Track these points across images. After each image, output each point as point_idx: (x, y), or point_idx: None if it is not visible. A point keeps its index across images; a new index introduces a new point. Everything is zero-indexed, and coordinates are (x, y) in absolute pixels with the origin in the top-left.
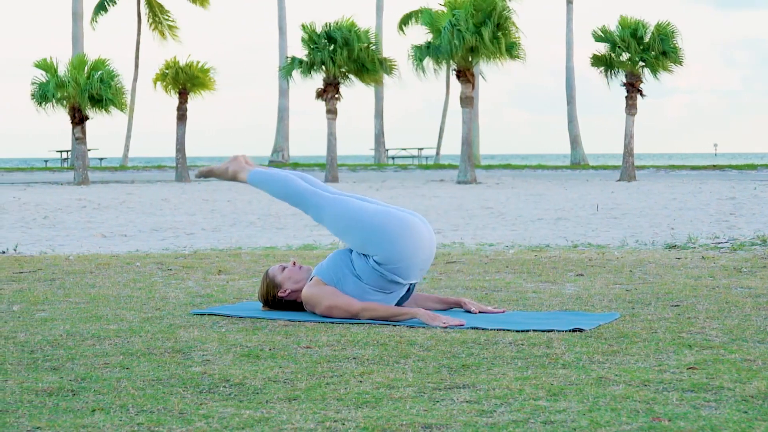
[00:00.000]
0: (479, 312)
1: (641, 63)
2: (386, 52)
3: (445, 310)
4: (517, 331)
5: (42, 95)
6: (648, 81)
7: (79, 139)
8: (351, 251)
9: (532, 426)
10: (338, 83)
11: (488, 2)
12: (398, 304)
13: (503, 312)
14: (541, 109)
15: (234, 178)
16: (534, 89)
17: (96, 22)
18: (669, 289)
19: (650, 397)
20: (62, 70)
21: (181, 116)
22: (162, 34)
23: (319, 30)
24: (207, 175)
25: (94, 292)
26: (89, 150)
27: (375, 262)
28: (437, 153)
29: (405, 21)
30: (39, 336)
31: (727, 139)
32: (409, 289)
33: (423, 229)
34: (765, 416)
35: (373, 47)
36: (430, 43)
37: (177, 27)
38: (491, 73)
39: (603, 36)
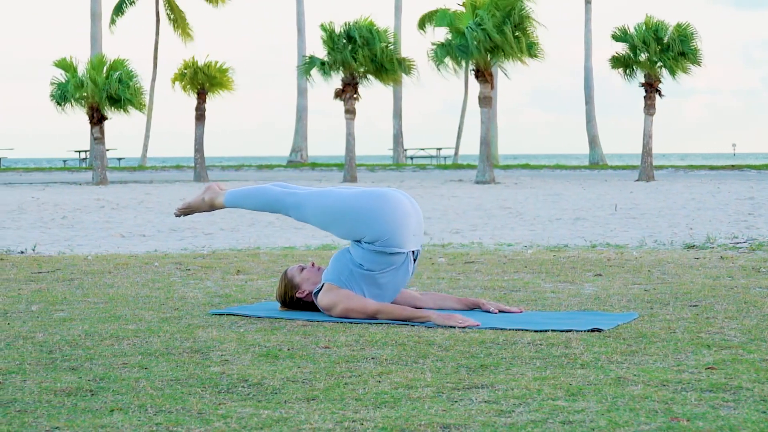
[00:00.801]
0: (499, 311)
1: (660, 63)
2: (404, 52)
3: (464, 311)
4: (536, 331)
5: (61, 95)
6: (667, 81)
7: (98, 139)
8: (348, 249)
9: (551, 426)
10: (357, 83)
11: (508, 1)
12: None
13: (521, 312)
14: (560, 109)
15: (212, 207)
16: (553, 89)
17: (114, 24)
18: (687, 289)
19: (669, 397)
20: (81, 71)
21: (200, 116)
22: (186, 34)
23: (338, 30)
24: (186, 212)
25: (113, 292)
26: (108, 150)
27: (368, 243)
28: (456, 153)
29: (424, 21)
30: (57, 336)
31: (745, 139)
32: (414, 258)
33: (399, 196)
34: None
35: (392, 47)
36: (450, 41)
37: (192, 30)
38: (511, 73)
39: (622, 36)
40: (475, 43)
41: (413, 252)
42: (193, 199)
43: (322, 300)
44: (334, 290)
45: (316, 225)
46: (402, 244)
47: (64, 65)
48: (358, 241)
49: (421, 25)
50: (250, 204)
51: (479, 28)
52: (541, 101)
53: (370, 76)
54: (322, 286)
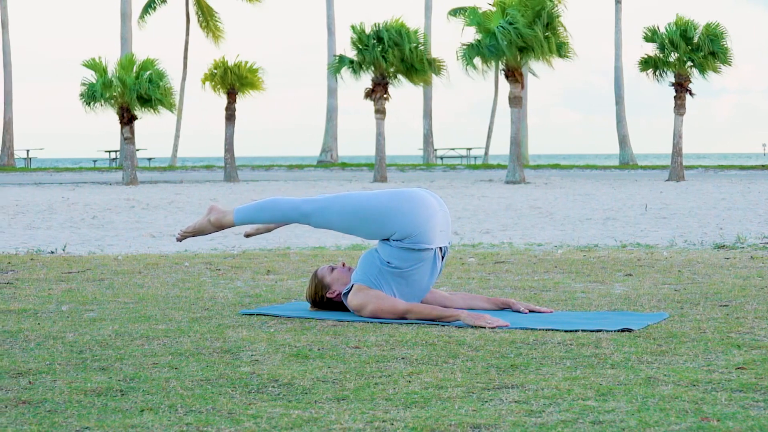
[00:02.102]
0: (529, 311)
1: (690, 63)
2: (435, 52)
3: (494, 310)
4: (566, 331)
5: (91, 95)
6: (697, 81)
7: (128, 139)
8: (375, 249)
9: (581, 426)
10: (387, 83)
11: (538, 1)
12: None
13: (552, 312)
14: (590, 109)
15: (219, 227)
16: (583, 89)
17: (144, 21)
18: (718, 289)
19: (699, 397)
20: (111, 71)
21: (230, 116)
22: (215, 36)
23: (368, 30)
24: (189, 235)
25: (143, 292)
26: (138, 150)
27: (396, 240)
28: (486, 153)
29: (455, 13)
30: (88, 336)
31: None
32: (442, 255)
33: (423, 193)
34: None
35: (422, 47)
36: (479, 41)
37: (222, 30)
38: (541, 73)
39: (653, 36)
40: (506, 42)
41: (441, 249)
42: (197, 222)
43: (351, 300)
44: (364, 290)
45: (340, 229)
46: (430, 240)
47: (93, 65)
48: (386, 240)
49: (453, 13)
50: (264, 217)
51: (511, 27)
52: (572, 101)
53: (400, 76)
54: (352, 286)
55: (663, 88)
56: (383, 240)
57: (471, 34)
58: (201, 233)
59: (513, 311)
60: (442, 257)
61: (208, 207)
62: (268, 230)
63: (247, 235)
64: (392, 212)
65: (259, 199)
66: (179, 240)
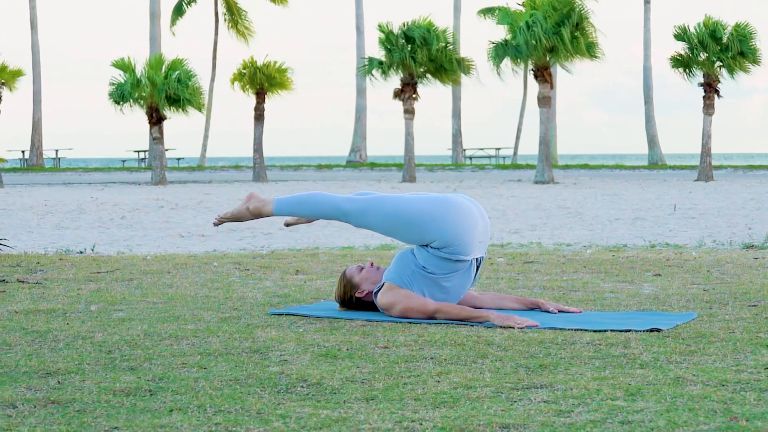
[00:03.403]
0: (558, 311)
1: (719, 63)
2: (464, 51)
3: (523, 311)
4: (595, 331)
5: (120, 95)
6: (727, 81)
7: (157, 139)
8: (412, 250)
9: (610, 426)
10: (416, 83)
11: (566, 2)
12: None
13: (581, 312)
14: (620, 109)
15: (257, 215)
16: (612, 89)
17: (175, 24)
18: (746, 289)
19: (728, 397)
20: (140, 71)
21: (259, 116)
22: (242, 35)
23: (396, 30)
24: (227, 221)
25: (172, 292)
26: (167, 150)
27: (434, 248)
28: (515, 153)
29: (485, 12)
30: (116, 336)
31: None
32: (477, 265)
33: (467, 203)
34: None
35: (451, 47)
36: (507, 41)
37: (252, 30)
38: (569, 73)
39: (682, 35)
40: (533, 43)
41: (477, 259)
42: (235, 209)
43: (381, 299)
44: (395, 290)
45: (380, 231)
46: (468, 252)
47: (122, 65)
48: (424, 245)
49: (483, 12)
50: (303, 211)
51: (531, 30)
52: (601, 101)
53: (429, 76)
54: (383, 285)
55: (692, 88)
56: (422, 245)
57: (501, 34)
58: (238, 220)
59: (542, 311)
60: (478, 267)
61: (247, 194)
62: (309, 221)
63: (287, 225)
64: (434, 220)
65: (300, 191)
66: (216, 225)
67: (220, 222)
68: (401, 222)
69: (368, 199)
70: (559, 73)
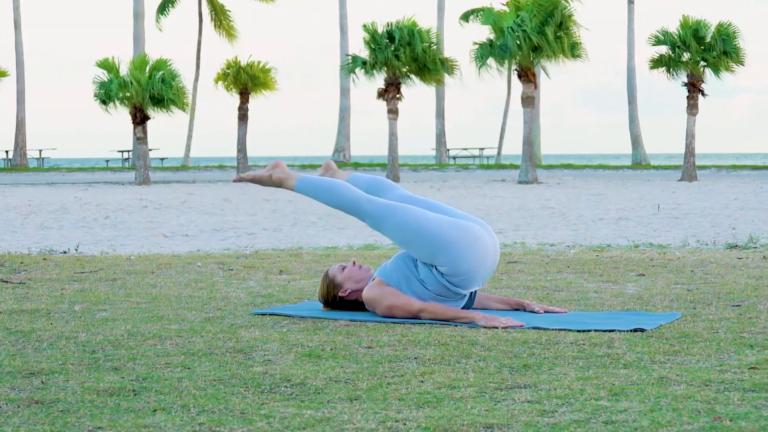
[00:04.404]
0: (544, 312)
1: (703, 63)
2: (447, 52)
3: (507, 311)
4: (579, 331)
5: (105, 95)
6: (712, 81)
7: (141, 139)
8: (416, 260)
9: (594, 426)
10: (399, 83)
11: (550, 2)
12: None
13: (566, 312)
14: (605, 109)
15: (278, 185)
16: (597, 89)
17: (159, 23)
18: (730, 289)
19: (712, 397)
20: (124, 71)
21: (243, 116)
22: (229, 35)
23: (380, 30)
24: (248, 181)
25: (155, 292)
26: (150, 150)
27: (440, 272)
28: (498, 153)
29: (467, 16)
30: (100, 336)
31: None
32: (471, 295)
33: (488, 239)
34: None
35: (435, 47)
36: (492, 41)
37: (236, 29)
38: (555, 73)
39: (661, 39)
40: (517, 43)
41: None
42: (259, 172)
43: (368, 293)
44: (383, 286)
45: (393, 240)
46: (470, 286)
47: (107, 65)
48: (431, 265)
49: (465, 17)
50: (323, 198)
51: (520, 29)
52: (586, 101)
53: (412, 76)
54: (374, 279)
55: (676, 88)
56: (429, 266)
57: (485, 34)
58: (259, 183)
59: (527, 312)
60: (472, 294)
61: (273, 162)
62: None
63: (239, 181)
64: (450, 246)
65: (322, 178)
66: (234, 181)
67: (240, 180)
68: (418, 239)
69: (390, 205)
70: (545, 73)
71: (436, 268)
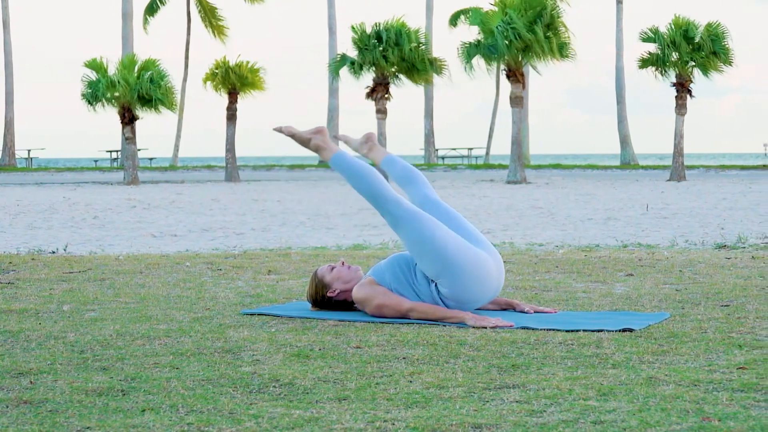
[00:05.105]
0: (534, 312)
1: (691, 63)
2: (436, 52)
3: (497, 311)
4: (567, 331)
5: (93, 95)
6: (700, 81)
7: (129, 139)
8: (416, 265)
9: (582, 426)
10: (388, 83)
11: (538, 1)
12: None
13: (556, 312)
14: (594, 109)
15: (315, 151)
16: (587, 89)
17: (147, 23)
18: (719, 289)
19: (700, 397)
20: (112, 71)
21: (231, 116)
22: (219, 34)
23: (369, 30)
24: (288, 135)
25: (144, 292)
26: (139, 150)
27: (437, 290)
28: (487, 153)
29: (455, 18)
30: (89, 336)
31: None
32: None
33: (494, 276)
34: None
35: (423, 47)
36: (480, 41)
37: (227, 27)
38: (544, 73)
39: (651, 37)
40: (506, 42)
41: None
42: (301, 132)
43: (358, 292)
44: (374, 286)
45: (405, 245)
46: (462, 309)
47: (95, 65)
48: (431, 280)
49: (453, 20)
50: (352, 182)
51: (509, 28)
52: (576, 101)
53: (401, 76)
54: (366, 278)
55: (665, 88)
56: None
57: (474, 34)
58: (297, 141)
59: (517, 312)
60: None
61: (319, 126)
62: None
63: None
64: (460, 274)
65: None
66: (275, 129)
67: (279, 130)
68: (430, 255)
69: (414, 212)
70: (534, 73)
71: (435, 285)
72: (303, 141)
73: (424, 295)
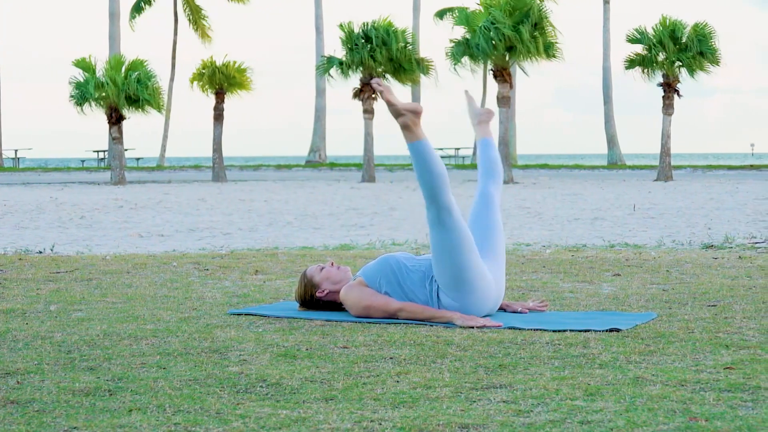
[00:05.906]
0: (528, 310)
1: (678, 63)
2: (422, 51)
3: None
4: (554, 331)
5: (81, 95)
6: (687, 81)
7: (116, 139)
8: (408, 266)
9: (569, 426)
10: None
11: (524, 2)
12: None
13: (545, 305)
14: (581, 109)
15: (402, 127)
16: (574, 89)
17: (134, 20)
18: (706, 289)
19: (687, 397)
20: (100, 71)
21: (218, 116)
22: (204, 34)
23: (356, 30)
24: (385, 99)
25: (131, 292)
26: (126, 150)
27: (439, 297)
28: (474, 153)
29: (442, 14)
30: (76, 336)
31: (764, 139)
32: None
33: (492, 303)
34: None
35: (410, 47)
36: (467, 39)
37: (211, 29)
38: (531, 73)
39: (638, 38)
40: (493, 43)
41: None
42: (398, 102)
43: (346, 293)
44: (363, 287)
45: (431, 246)
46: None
47: (83, 65)
48: (432, 289)
49: (440, 15)
50: (421, 172)
51: (493, 27)
52: (563, 101)
53: (388, 76)
54: (355, 279)
55: (652, 88)
56: (429, 281)
57: (460, 33)
58: (390, 109)
59: (508, 312)
60: None
61: (418, 105)
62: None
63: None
64: (473, 298)
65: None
66: (375, 83)
67: (379, 85)
68: (451, 270)
69: (459, 227)
70: (522, 73)
71: (437, 294)
72: (396, 112)
73: (417, 296)
